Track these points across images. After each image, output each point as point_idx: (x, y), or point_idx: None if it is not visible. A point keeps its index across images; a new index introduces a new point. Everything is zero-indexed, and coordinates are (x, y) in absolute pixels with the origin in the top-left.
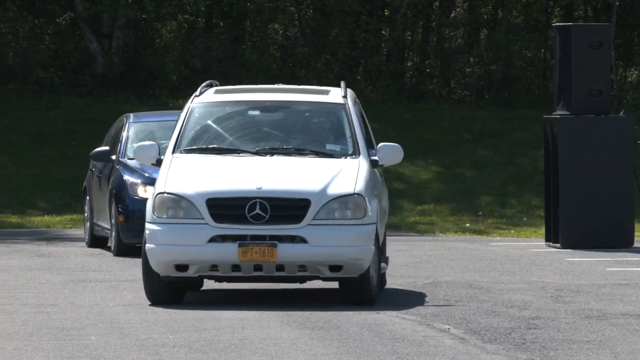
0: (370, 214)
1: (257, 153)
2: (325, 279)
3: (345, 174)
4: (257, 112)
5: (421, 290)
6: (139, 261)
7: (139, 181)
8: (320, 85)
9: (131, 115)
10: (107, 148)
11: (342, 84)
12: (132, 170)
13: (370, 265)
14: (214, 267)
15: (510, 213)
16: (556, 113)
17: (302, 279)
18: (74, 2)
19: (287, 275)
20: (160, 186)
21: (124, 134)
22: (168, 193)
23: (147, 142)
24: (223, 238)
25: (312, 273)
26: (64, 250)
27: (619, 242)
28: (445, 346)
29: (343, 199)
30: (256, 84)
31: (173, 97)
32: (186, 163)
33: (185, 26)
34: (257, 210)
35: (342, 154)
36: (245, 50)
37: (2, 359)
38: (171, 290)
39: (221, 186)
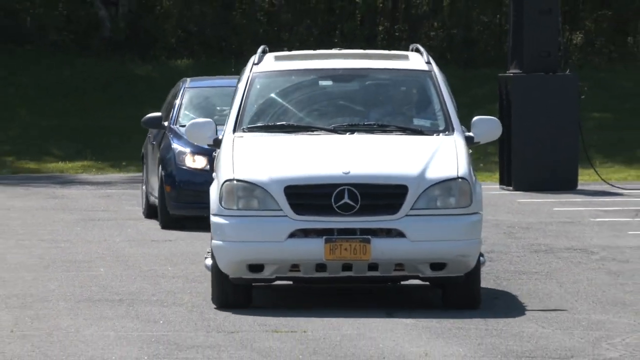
0: (475, 201)
1: (334, 131)
2: (425, 279)
3: (442, 155)
4: (329, 82)
5: None
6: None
7: (187, 150)
8: (300, 48)
9: (188, 79)
10: (159, 114)
11: (419, 47)
12: (181, 138)
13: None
14: (294, 267)
15: None
16: (510, 72)
17: (397, 279)
18: None
19: (381, 275)
20: (226, 172)
21: (177, 100)
22: (238, 180)
23: (201, 119)
24: (305, 233)
25: (410, 272)
26: (76, 192)
27: (564, 185)
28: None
29: (445, 185)
30: (245, 48)
31: (172, 57)
32: (253, 144)
33: None
34: (346, 200)
35: (433, 130)
36: (236, 16)
37: (22, 288)
38: (242, 292)
39: (301, 171)
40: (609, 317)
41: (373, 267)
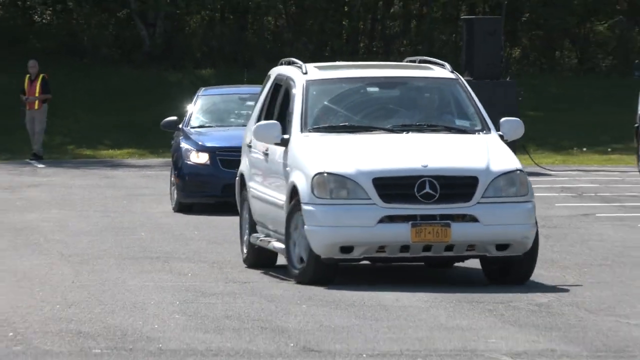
0: (530, 190)
1: (392, 130)
2: (491, 258)
3: (496, 150)
4: (375, 89)
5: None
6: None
7: (192, 148)
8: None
9: (202, 88)
10: (175, 118)
11: (437, 61)
12: (189, 138)
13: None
14: (381, 248)
15: None
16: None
17: (465, 259)
18: (129, 1)
19: (455, 255)
20: (315, 166)
21: (192, 105)
22: (329, 173)
23: (269, 121)
24: (391, 219)
25: (479, 252)
26: (123, 173)
27: None
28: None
29: (508, 176)
30: (256, 60)
31: (198, 67)
32: (324, 142)
33: (206, 18)
34: (427, 189)
35: (473, 130)
36: (248, 35)
37: (81, 248)
38: (331, 270)
39: (386, 165)
40: (540, 272)
41: (449, 248)
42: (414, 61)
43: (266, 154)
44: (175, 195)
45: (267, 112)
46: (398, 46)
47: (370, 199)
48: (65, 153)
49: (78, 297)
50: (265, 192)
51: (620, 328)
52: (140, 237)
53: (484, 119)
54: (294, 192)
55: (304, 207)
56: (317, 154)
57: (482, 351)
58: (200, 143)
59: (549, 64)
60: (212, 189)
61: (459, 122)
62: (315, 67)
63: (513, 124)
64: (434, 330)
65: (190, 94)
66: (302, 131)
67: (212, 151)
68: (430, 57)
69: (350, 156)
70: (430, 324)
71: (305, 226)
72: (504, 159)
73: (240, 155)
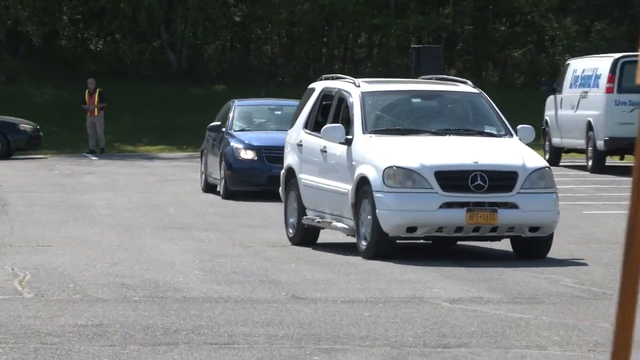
0: (554, 183)
1: (436, 133)
2: (524, 238)
3: (524, 151)
4: (419, 100)
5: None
6: (199, 168)
7: (241, 146)
8: (290, 80)
9: (236, 100)
10: (219, 123)
11: (460, 78)
12: (235, 138)
13: None
14: (440, 229)
15: None
16: None
17: (502, 238)
18: (161, 33)
19: (498, 234)
20: (384, 161)
21: (231, 113)
22: (397, 167)
23: (334, 125)
24: (449, 205)
25: (516, 233)
26: (156, 164)
27: None
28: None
29: (540, 172)
30: (257, 81)
31: (213, 84)
32: (387, 142)
33: (219, 47)
34: (479, 181)
35: (500, 134)
36: (251, 59)
37: (124, 220)
38: (391, 247)
39: (445, 161)
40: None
41: (494, 229)
42: (430, 79)
43: (324, 152)
44: (223, 185)
45: (316, 118)
46: (364, 68)
47: (432, 188)
48: (112, 149)
49: (122, 257)
50: (322, 182)
51: (532, 280)
52: (169, 212)
53: (506, 125)
54: (361, 182)
55: (376, 194)
56: (383, 151)
57: (427, 298)
58: (247, 142)
59: (477, 81)
60: (259, 179)
61: (488, 128)
62: (364, 81)
63: (528, 130)
64: (390, 283)
65: (207, 105)
66: (363, 133)
67: (258, 149)
68: (388, 77)
69: (412, 153)
70: (388, 277)
71: (377, 210)
72: (534, 158)
73: (281, 153)
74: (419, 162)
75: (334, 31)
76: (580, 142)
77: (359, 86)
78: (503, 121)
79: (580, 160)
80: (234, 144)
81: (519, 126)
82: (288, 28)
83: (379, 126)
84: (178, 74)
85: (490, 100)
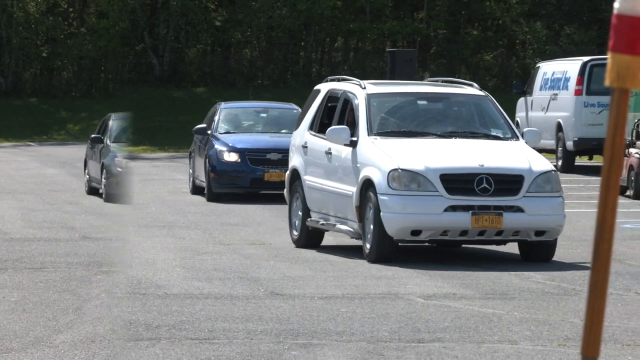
0: (561, 187)
1: (441, 136)
2: (530, 242)
3: (530, 154)
4: (424, 102)
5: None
6: (181, 168)
7: (224, 149)
8: (269, 83)
9: (222, 103)
10: (204, 125)
11: (460, 81)
12: (220, 141)
13: None
14: (444, 232)
15: None
16: None
17: (507, 242)
18: (144, 38)
19: (503, 238)
20: (389, 163)
21: (217, 116)
22: (402, 169)
23: (339, 126)
24: (454, 208)
25: (522, 237)
26: (138, 164)
27: None
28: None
29: (546, 175)
30: (236, 83)
31: (194, 87)
32: (392, 144)
33: (200, 51)
34: (484, 185)
35: (506, 137)
36: (231, 63)
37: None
38: (394, 250)
39: (450, 164)
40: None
41: (499, 233)
42: (436, 81)
43: (329, 153)
44: (207, 187)
45: (321, 120)
46: (340, 71)
47: (437, 191)
48: None
49: (107, 251)
50: (327, 184)
51: (504, 277)
52: (151, 211)
53: (512, 128)
54: (366, 185)
55: (381, 197)
56: (388, 153)
57: (402, 294)
58: (231, 144)
59: None
60: (242, 182)
61: (494, 131)
62: (370, 83)
63: (534, 134)
64: (367, 279)
65: (188, 107)
66: (368, 135)
67: (242, 151)
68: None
69: (418, 155)
70: (364, 274)
71: (382, 213)
72: (540, 161)
73: (264, 155)
74: (424, 165)
75: (312, 35)
76: (551, 143)
77: (364, 88)
78: (509, 124)
79: (551, 160)
80: (217, 146)
81: (525, 129)
82: (267, 32)
83: (384, 128)
84: (160, 77)
85: (497, 103)
